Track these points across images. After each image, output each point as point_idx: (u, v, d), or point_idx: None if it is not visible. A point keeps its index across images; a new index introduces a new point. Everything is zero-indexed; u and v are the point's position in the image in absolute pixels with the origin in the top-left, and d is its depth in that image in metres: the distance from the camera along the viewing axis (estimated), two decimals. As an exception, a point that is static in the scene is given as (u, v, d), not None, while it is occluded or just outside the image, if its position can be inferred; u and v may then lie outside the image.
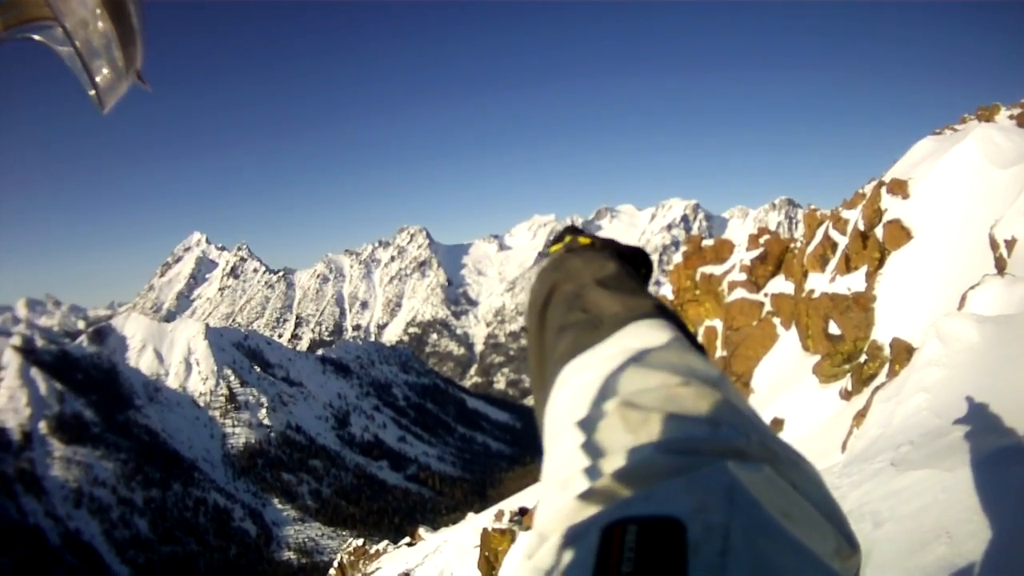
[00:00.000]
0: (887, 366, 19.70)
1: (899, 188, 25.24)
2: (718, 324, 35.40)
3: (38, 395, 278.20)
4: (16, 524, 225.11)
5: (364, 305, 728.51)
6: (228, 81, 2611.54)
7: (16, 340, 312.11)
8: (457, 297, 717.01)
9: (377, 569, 56.58)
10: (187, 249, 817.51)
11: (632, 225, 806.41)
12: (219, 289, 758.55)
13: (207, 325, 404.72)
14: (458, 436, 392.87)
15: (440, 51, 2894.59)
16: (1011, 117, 28.37)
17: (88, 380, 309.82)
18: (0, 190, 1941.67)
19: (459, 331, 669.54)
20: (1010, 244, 16.57)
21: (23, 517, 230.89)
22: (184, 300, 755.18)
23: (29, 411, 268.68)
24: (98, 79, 2.31)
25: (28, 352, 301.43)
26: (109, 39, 2.27)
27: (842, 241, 27.66)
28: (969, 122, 30.16)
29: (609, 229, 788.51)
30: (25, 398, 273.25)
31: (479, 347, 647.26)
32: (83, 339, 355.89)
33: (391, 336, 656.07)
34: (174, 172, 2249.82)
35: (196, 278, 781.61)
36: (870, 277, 24.80)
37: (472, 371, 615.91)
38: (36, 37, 2.14)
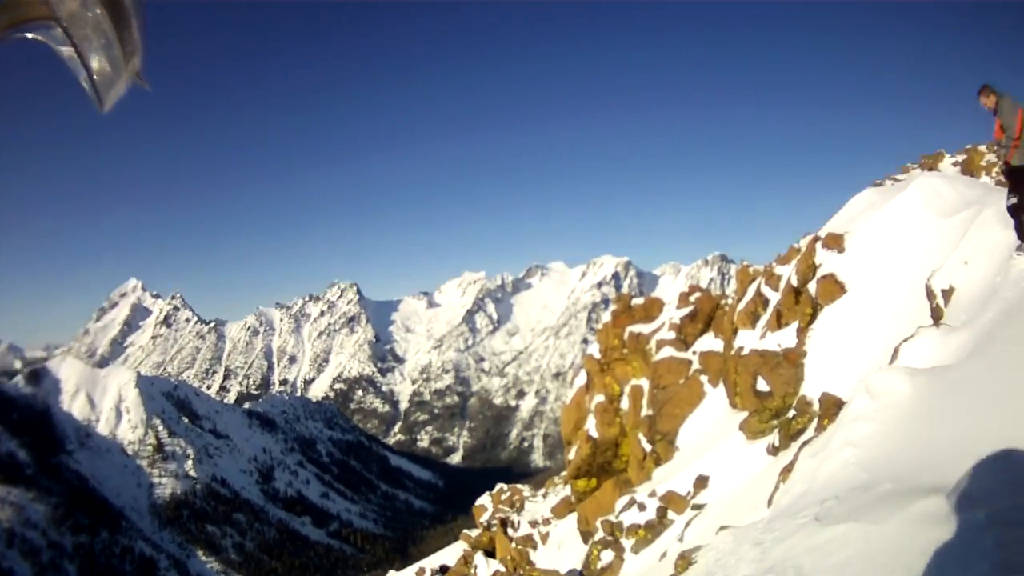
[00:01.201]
0: (815, 421, 19.64)
1: (834, 242, 25.44)
2: (645, 383, 35.28)
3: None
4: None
5: (292, 359, 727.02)
6: (169, 129, 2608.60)
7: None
8: (384, 354, 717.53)
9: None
10: (123, 295, 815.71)
11: (562, 283, 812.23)
12: (152, 337, 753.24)
13: (139, 373, 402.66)
14: (381, 493, 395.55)
15: (370, 107, 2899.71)
16: (955, 164, 28.77)
17: (23, 420, 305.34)
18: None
19: (384, 388, 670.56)
20: (947, 294, 16.79)
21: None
22: (118, 346, 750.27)
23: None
24: (98, 79, 2.51)
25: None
26: (109, 39, 2.47)
27: (774, 297, 27.90)
28: (912, 171, 30.45)
29: (539, 287, 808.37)
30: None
31: (404, 404, 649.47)
32: (19, 379, 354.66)
33: (317, 391, 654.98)
34: (113, 216, 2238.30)
35: (130, 325, 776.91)
36: (801, 333, 24.91)
37: (396, 428, 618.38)
38: (36, 37, 2.38)
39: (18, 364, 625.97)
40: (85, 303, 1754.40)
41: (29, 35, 2.35)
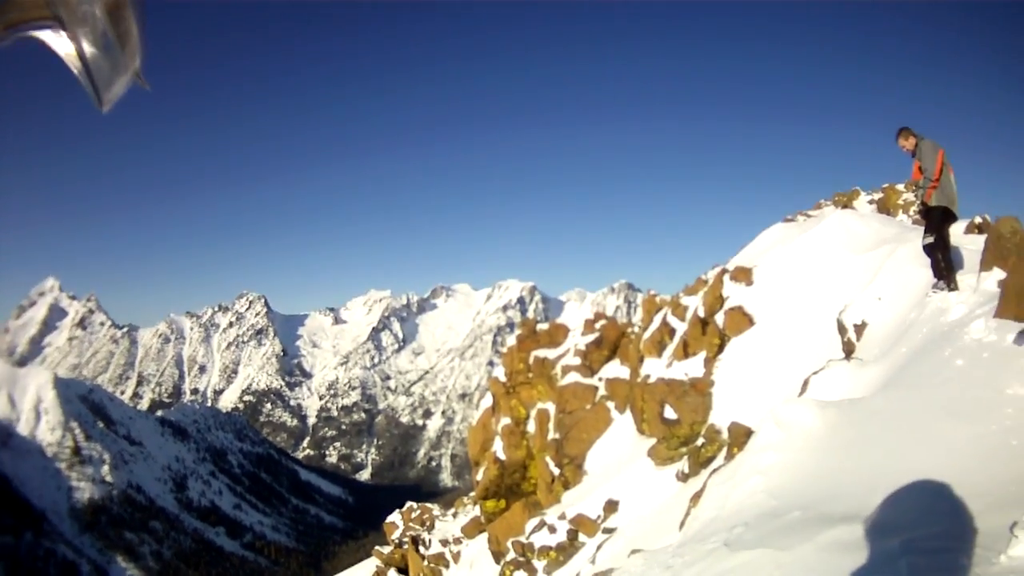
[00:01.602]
0: (725, 450, 20.03)
1: (742, 275, 26.02)
2: (551, 407, 35.54)
3: None
4: None
5: (202, 369, 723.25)
6: (93, 131, 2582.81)
7: None
8: (292, 368, 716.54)
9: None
10: (41, 294, 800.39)
11: (468, 305, 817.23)
12: (68, 339, 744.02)
13: (55, 375, 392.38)
14: (292, 507, 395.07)
15: (282, 122, 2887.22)
16: (871, 202, 29.26)
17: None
18: None
19: (292, 402, 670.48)
20: (859, 328, 16.99)
21: None
22: (36, 346, 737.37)
23: None
24: (98, 79, 2.51)
25: None
26: (109, 39, 2.48)
27: (680, 327, 28.34)
28: (825, 207, 30.84)
29: (444, 308, 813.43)
30: None
31: (312, 419, 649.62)
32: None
33: (227, 402, 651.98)
34: (33, 213, 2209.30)
35: (48, 325, 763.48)
36: (709, 363, 25.29)
37: (305, 443, 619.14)
38: (36, 37, 2.38)
39: None
40: (6, 300, 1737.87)
41: (29, 35, 2.35)
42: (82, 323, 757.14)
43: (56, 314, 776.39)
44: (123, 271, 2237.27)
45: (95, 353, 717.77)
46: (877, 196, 29.60)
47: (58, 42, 2.42)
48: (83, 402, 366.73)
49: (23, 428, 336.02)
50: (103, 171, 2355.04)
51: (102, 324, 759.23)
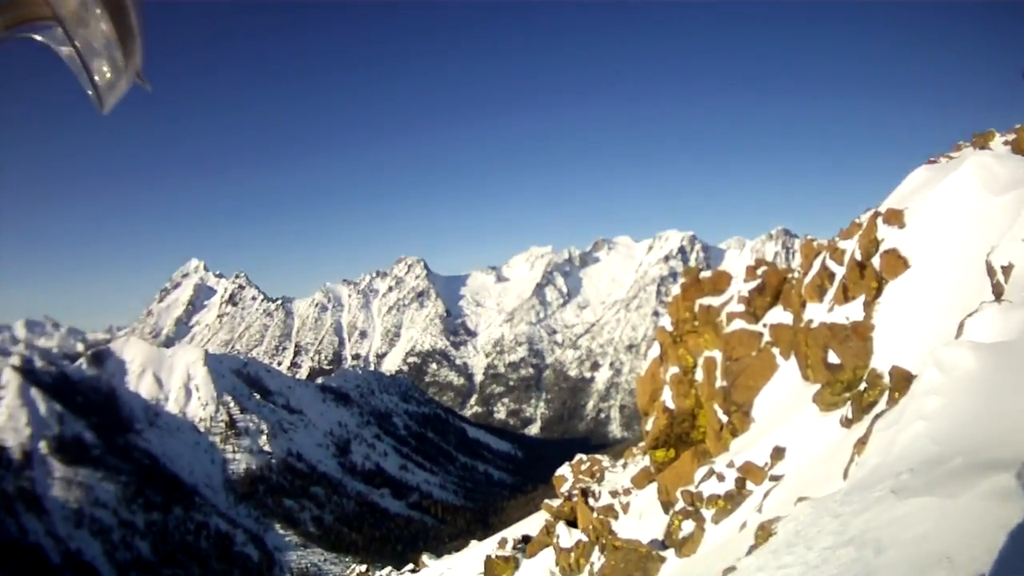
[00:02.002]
0: (886, 394, 19.66)
1: (895, 218, 25.39)
2: (717, 355, 35.07)
3: (38, 415, 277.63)
4: (17, 542, 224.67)
5: (363, 334, 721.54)
6: (228, 108, 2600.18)
7: (16, 360, 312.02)
8: (456, 327, 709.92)
9: (380, 594, 56.66)
10: (185, 275, 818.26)
11: (629, 257, 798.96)
12: (218, 316, 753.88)
13: (206, 351, 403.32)
14: (459, 465, 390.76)
15: (437, 81, 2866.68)
16: (1006, 143, 28.37)
17: (87, 402, 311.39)
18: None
19: (458, 361, 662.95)
20: (1007, 270, 16.53)
21: (24, 535, 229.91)
22: (183, 326, 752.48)
23: (29, 431, 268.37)
24: (98, 79, 2.56)
25: (28, 372, 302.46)
26: (109, 39, 2.50)
27: (839, 271, 27.65)
28: (964, 149, 30.13)
29: (607, 260, 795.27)
30: (25, 418, 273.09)
31: (479, 377, 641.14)
32: (82, 362, 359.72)
33: (390, 366, 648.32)
34: (172, 197, 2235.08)
35: (194, 304, 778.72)
36: (868, 306, 24.87)
37: (472, 401, 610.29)
38: (36, 37, 2.40)
39: (80, 347, 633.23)
40: (146, 286, 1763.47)
41: (29, 35, 2.36)
42: (232, 299, 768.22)
43: (203, 293, 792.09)
44: (271, 247, 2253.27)
45: (248, 328, 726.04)
46: (1011, 137, 28.87)
47: (58, 42, 2.43)
48: (237, 376, 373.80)
49: (172, 406, 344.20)
50: (242, 147, 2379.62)
51: (253, 299, 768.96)
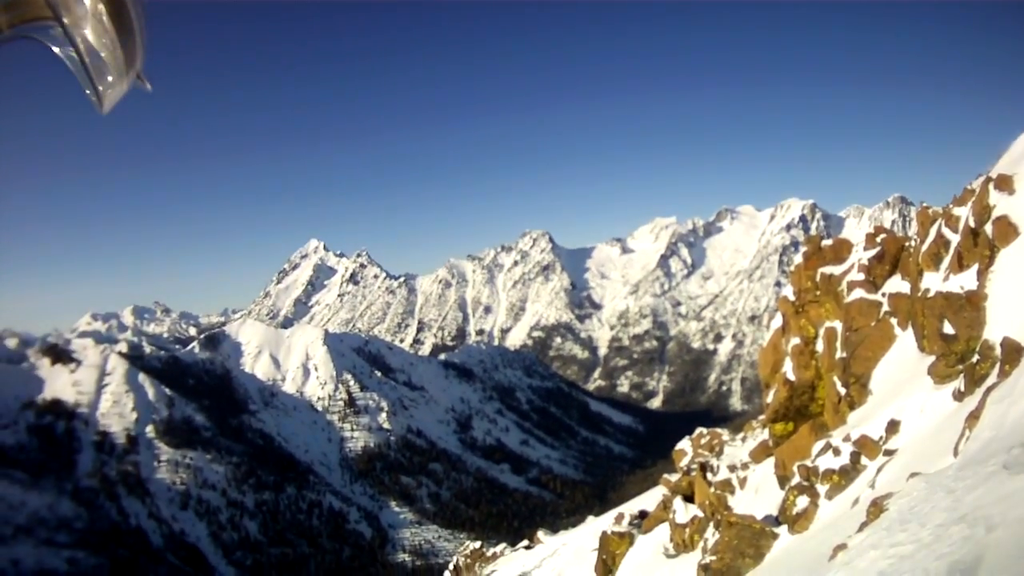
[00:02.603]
0: (998, 366, 19.32)
1: (1004, 184, 24.62)
2: (838, 325, 34.90)
3: (146, 400, 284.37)
4: (116, 525, 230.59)
5: (487, 310, 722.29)
6: (345, 85, 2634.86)
7: (122, 347, 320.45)
8: (581, 300, 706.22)
9: (493, 572, 56.94)
10: (304, 256, 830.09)
11: (752, 226, 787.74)
12: (338, 295, 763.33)
13: (326, 331, 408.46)
14: (580, 439, 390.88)
15: (562, 52, 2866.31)
16: None
17: (200, 385, 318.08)
18: (107, 198, 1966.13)
19: (583, 334, 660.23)
20: None
21: (124, 519, 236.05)
22: (302, 306, 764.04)
23: (135, 416, 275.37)
24: (98, 79, 2.56)
25: (135, 358, 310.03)
26: (109, 39, 2.50)
27: (954, 239, 27.24)
28: None
29: (730, 230, 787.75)
30: (131, 403, 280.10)
31: (603, 350, 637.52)
32: (195, 345, 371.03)
33: (515, 340, 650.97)
34: (287, 179, 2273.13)
35: (314, 285, 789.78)
36: (981, 275, 24.24)
37: (596, 374, 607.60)
38: (36, 37, 2.42)
39: (192, 331, 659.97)
40: (262, 269, 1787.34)
41: (29, 35, 2.39)
42: (353, 278, 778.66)
43: (323, 273, 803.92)
44: (393, 225, 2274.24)
45: (369, 306, 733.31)
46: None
47: (58, 42, 2.44)
48: (358, 354, 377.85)
49: (289, 387, 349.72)
50: (363, 129, 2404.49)
51: (375, 277, 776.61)
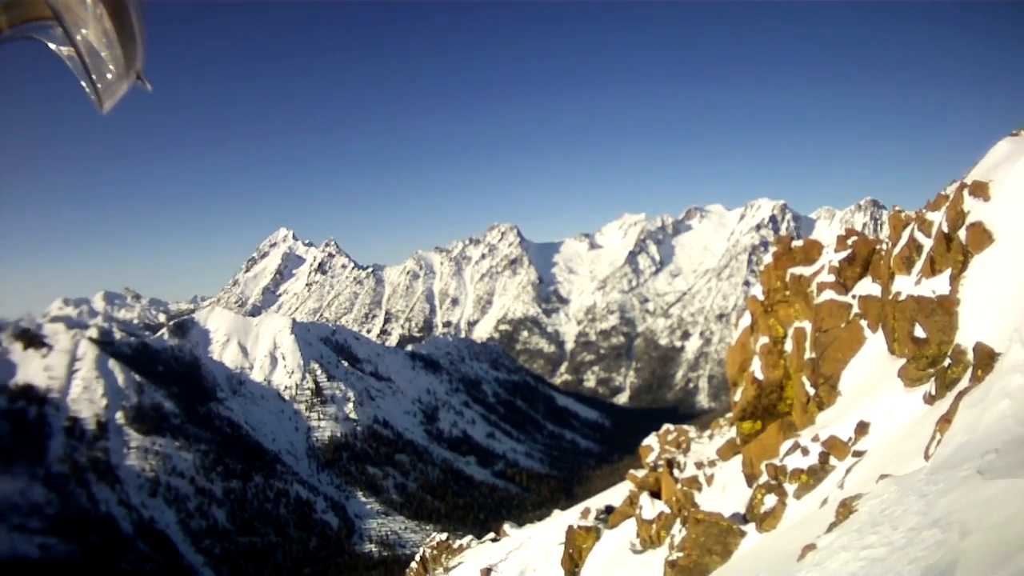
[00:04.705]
0: (970, 371, 19.47)
1: (980, 190, 24.68)
2: (807, 325, 35.01)
3: (115, 386, 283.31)
4: (86, 512, 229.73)
5: (455, 302, 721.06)
6: (317, 76, 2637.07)
7: (92, 332, 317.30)
8: (548, 295, 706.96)
9: (459, 563, 57.00)
10: (273, 245, 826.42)
11: (722, 225, 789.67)
12: (306, 284, 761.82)
13: (294, 320, 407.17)
14: (547, 433, 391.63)
15: (534, 47, 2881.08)
16: None
17: (169, 372, 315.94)
18: (76, 182, 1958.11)
19: (550, 329, 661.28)
20: None
21: (94, 505, 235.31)
22: (270, 295, 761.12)
23: (105, 402, 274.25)
24: (98, 79, 2.57)
25: (105, 344, 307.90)
26: (109, 39, 2.51)
27: (927, 243, 27.43)
28: None
29: (699, 228, 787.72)
30: (101, 389, 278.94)
31: (570, 345, 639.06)
32: (164, 332, 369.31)
33: (482, 333, 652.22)
34: (258, 168, 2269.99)
35: (282, 273, 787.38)
36: (954, 280, 24.50)
37: (562, 369, 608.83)
38: (36, 37, 2.42)
39: (162, 318, 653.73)
40: (232, 256, 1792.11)
41: (29, 35, 2.40)
42: (321, 268, 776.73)
43: (291, 262, 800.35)
44: (362, 216, 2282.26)
45: (337, 296, 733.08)
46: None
47: (58, 42, 2.46)
48: (325, 343, 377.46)
49: (257, 375, 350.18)
50: (332, 119, 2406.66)
51: (343, 267, 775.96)
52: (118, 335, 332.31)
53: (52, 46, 2.47)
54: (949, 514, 9.37)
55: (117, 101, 2.77)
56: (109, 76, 2.62)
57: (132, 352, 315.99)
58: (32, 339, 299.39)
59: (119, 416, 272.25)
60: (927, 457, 15.99)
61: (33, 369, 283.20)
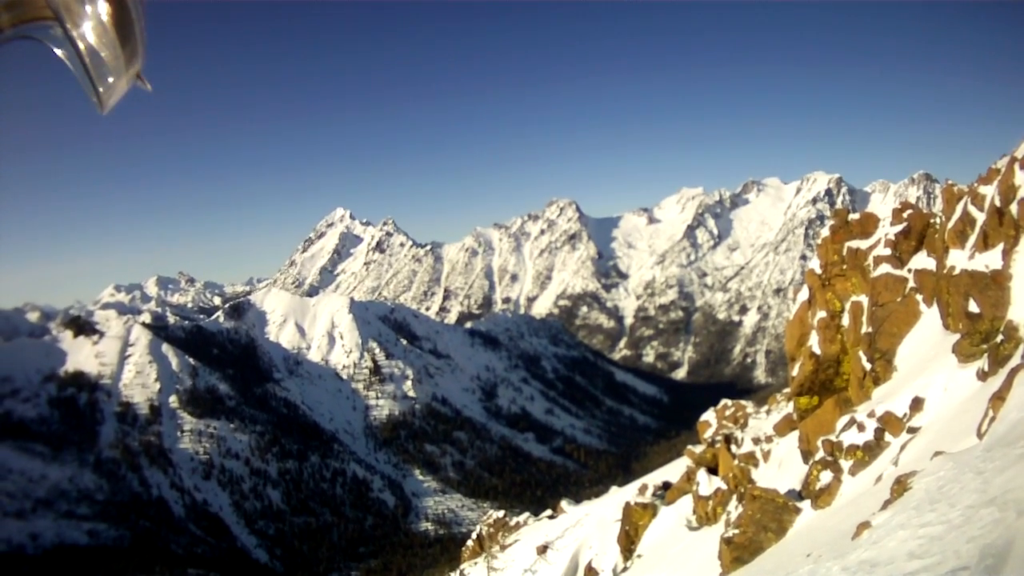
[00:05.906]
0: (1022, 347, 19.45)
1: None
2: (864, 299, 34.72)
3: (169, 370, 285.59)
4: (137, 496, 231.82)
5: (514, 278, 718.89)
6: (371, 52, 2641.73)
7: (145, 317, 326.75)
8: (607, 270, 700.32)
9: (516, 541, 56.86)
10: (330, 225, 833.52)
11: (779, 199, 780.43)
12: (364, 263, 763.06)
13: (351, 299, 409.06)
14: (605, 409, 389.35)
15: (586, 26, 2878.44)
16: None
17: (224, 355, 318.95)
18: (133, 168, 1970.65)
19: (609, 304, 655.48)
20: None
21: (146, 489, 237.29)
22: (327, 275, 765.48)
23: (158, 386, 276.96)
24: (98, 79, 2.56)
25: (158, 328, 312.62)
26: (109, 39, 2.51)
27: (980, 217, 27.02)
28: None
29: (756, 202, 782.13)
30: (154, 373, 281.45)
31: (629, 320, 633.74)
32: (219, 315, 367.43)
33: (541, 309, 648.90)
34: (315, 148, 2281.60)
35: (340, 253, 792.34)
36: (1006, 255, 24.27)
37: (621, 344, 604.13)
38: (36, 37, 2.42)
39: (217, 300, 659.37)
40: (288, 237, 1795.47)
41: (29, 35, 2.40)
42: (379, 246, 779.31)
43: (348, 242, 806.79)
44: (420, 194, 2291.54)
45: (395, 274, 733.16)
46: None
47: (58, 42, 2.45)
48: (384, 322, 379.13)
49: (314, 355, 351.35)
50: (391, 97, 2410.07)
51: (402, 245, 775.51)
52: (171, 319, 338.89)
53: (52, 46, 2.48)
54: (1005, 492, 9.38)
55: (117, 101, 2.76)
56: (109, 76, 2.61)
57: (186, 336, 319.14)
58: (83, 326, 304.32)
59: (172, 400, 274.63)
60: (980, 435, 15.94)
61: (84, 356, 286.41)
